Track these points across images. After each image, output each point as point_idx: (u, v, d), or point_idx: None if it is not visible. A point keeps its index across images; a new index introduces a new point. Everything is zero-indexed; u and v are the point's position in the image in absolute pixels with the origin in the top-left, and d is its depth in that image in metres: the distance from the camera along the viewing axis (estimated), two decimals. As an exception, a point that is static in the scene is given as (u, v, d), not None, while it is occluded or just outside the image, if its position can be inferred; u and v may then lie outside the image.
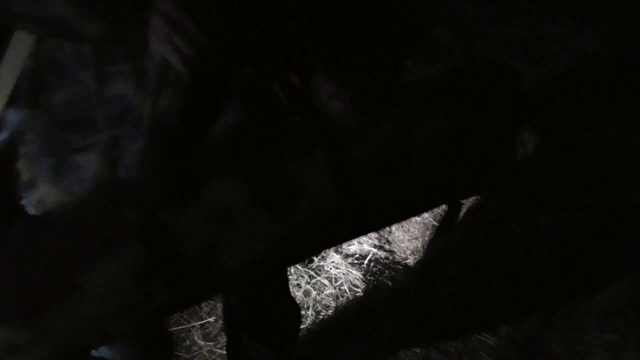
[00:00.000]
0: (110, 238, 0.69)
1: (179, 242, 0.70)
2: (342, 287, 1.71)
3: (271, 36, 0.74)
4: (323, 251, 1.78)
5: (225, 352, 1.39)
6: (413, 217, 1.87)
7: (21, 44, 0.75)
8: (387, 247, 1.83)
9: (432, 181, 0.80)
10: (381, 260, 1.79)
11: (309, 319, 1.63)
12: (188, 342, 1.59)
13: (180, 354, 1.56)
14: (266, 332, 1.24)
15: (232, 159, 0.74)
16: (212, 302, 1.66)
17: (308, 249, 0.82)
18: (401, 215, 0.90)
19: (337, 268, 1.75)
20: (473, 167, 0.82)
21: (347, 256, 1.79)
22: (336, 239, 0.87)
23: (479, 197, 1.95)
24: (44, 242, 0.70)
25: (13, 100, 0.79)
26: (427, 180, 0.80)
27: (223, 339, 1.58)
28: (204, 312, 1.65)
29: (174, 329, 1.61)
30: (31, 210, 0.80)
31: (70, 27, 0.67)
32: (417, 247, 1.81)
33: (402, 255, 1.80)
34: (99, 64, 0.73)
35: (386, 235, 1.85)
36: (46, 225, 0.73)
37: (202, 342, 1.58)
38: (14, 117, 0.83)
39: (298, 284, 1.72)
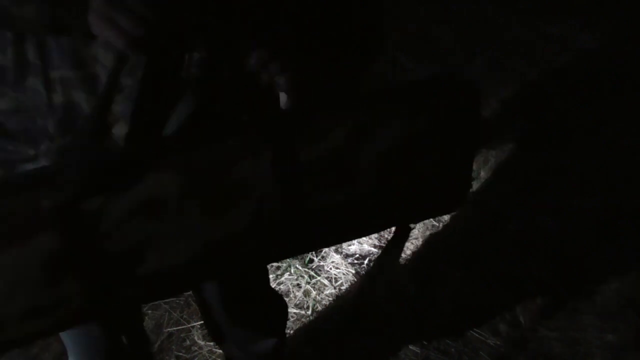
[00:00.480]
0: (20, 226, 0.61)
1: (100, 235, 0.63)
2: (342, 287, 1.71)
3: (223, 18, 0.68)
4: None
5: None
6: (413, 217, 1.87)
7: None
8: (387, 247, 1.83)
9: (382, 195, 0.75)
10: (381, 260, 1.79)
11: (309, 319, 1.63)
12: (188, 342, 1.59)
13: (180, 354, 1.56)
14: (249, 324, 1.21)
15: (170, 151, 0.67)
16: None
17: (245, 259, 0.74)
18: (351, 232, 0.83)
19: (337, 268, 1.75)
20: (425, 184, 0.78)
21: (347, 256, 1.79)
22: (279, 252, 0.78)
23: (478, 197, 1.95)
24: None
25: None
26: (377, 193, 0.75)
27: (223, 339, 1.58)
28: (204, 312, 1.65)
29: (174, 329, 1.61)
30: None
31: (6, 13, 0.62)
32: (417, 247, 1.81)
33: (402, 255, 1.80)
34: (45, 69, 0.69)
35: (386, 235, 1.85)
36: None
37: (202, 342, 1.58)
38: None
39: (298, 284, 1.72)
